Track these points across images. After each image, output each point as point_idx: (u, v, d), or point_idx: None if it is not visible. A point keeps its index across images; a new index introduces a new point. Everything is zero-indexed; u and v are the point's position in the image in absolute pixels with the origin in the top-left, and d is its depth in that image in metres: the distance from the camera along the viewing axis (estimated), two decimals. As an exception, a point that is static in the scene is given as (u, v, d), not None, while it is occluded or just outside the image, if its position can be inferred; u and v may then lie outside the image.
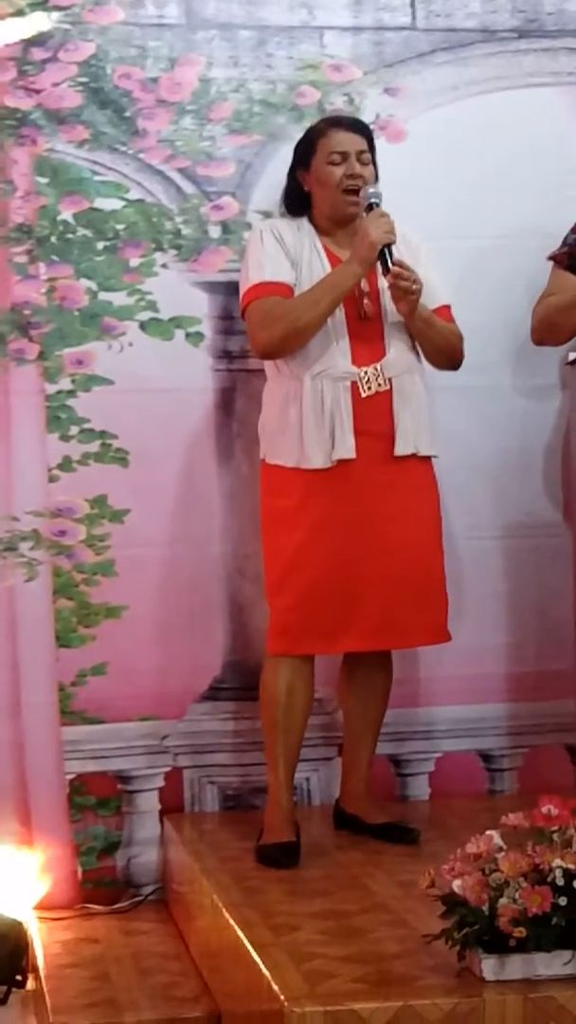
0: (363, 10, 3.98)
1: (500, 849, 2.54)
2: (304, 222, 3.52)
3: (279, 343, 3.41)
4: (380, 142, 3.91)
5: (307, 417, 3.41)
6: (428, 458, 3.53)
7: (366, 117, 3.92)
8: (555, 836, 2.53)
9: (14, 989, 3.51)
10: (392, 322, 3.47)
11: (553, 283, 3.60)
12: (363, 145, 3.48)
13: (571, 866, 2.47)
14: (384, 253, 3.37)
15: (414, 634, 3.52)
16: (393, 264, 3.36)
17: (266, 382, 3.56)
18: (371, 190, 3.45)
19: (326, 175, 3.46)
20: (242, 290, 3.49)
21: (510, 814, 2.60)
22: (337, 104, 3.83)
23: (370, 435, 3.42)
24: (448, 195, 3.94)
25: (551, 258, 3.62)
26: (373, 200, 3.43)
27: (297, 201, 3.54)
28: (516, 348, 3.92)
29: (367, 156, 3.48)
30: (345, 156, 3.45)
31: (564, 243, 3.62)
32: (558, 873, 2.47)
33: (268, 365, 3.53)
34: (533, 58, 4.07)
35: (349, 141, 3.47)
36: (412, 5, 4.00)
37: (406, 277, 3.36)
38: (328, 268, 3.45)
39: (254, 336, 3.47)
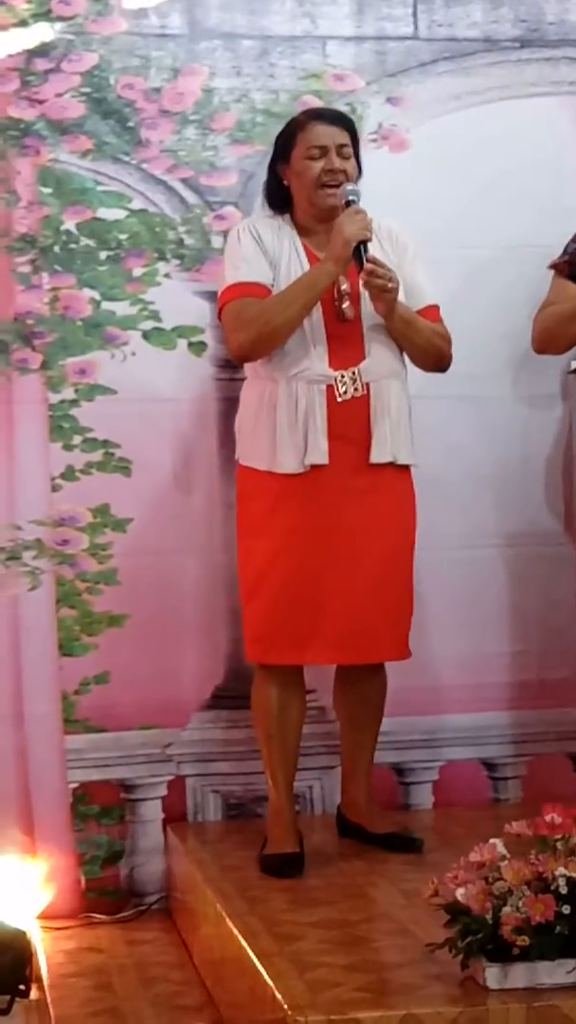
0: (365, 20, 3.99)
1: (503, 858, 2.54)
2: (285, 220, 3.46)
3: (253, 345, 3.35)
4: (383, 151, 3.95)
5: (280, 420, 3.36)
6: (406, 468, 3.46)
7: (368, 127, 3.94)
8: (558, 845, 2.54)
9: (17, 999, 3.49)
10: (373, 325, 3.39)
11: (554, 292, 3.60)
12: (344, 139, 3.41)
13: (574, 875, 2.47)
14: (359, 250, 3.30)
15: (378, 648, 3.45)
16: (367, 261, 3.29)
17: (244, 382, 3.52)
18: (348, 187, 3.37)
19: (304, 169, 3.39)
20: (219, 292, 3.44)
21: (513, 823, 2.61)
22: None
23: (345, 441, 3.36)
24: (450, 204, 3.94)
25: (552, 267, 3.62)
26: (351, 197, 3.36)
27: (277, 196, 3.48)
28: (517, 357, 3.93)
29: (348, 150, 3.41)
30: (324, 150, 3.38)
31: (565, 252, 3.62)
32: (561, 882, 2.47)
33: (247, 366, 3.47)
34: (535, 68, 4.08)
35: (329, 134, 3.40)
36: (414, 15, 4.01)
37: (380, 274, 3.28)
38: (307, 267, 3.39)
39: (229, 338, 3.41)
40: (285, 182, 3.46)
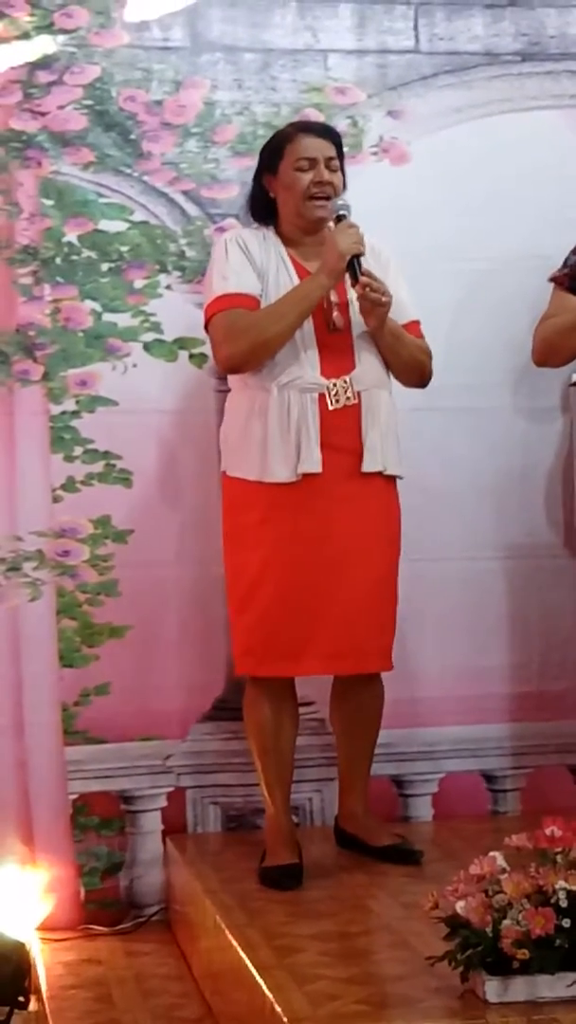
0: (367, 33, 4.00)
1: (503, 870, 2.54)
2: (270, 231, 3.46)
3: (244, 356, 3.34)
4: (383, 164, 3.96)
5: (272, 429, 3.34)
6: (393, 479, 3.46)
7: (369, 140, 3.95)
8: (559, 858, 2.53)
9: (16, 1010, 3.50)
10: (361, 334, 3.40)
11: (554, 305, 3.61)
12: (332, 152, 3.42)
13: (575, 888, 2.47)
14: (353, 264, 3.31)
15: (369, 659, 3.44)
16: (362, 275, 3.30)
17: (230, 392, 3.51)
18: (339, 201, 3.39)
19: (293, 181, 3.40)
20: (206, 302, 3.43)
21: (513, 835, 2.60)
22: (341, 127, 3.84)
23: (337, 449, 3.35)
24: (451, 217, 3.95)
25: (552, 279, 3.62)
26: (342, 212, 3.37)
27: (262, 207, 3.48)
28: (517, 369, 3.93)
29: (336, 163, 3.42)
30: (313, 163, 3.39)
31: (565, 264, 3.62)
32: (561, 895, 2.47)
33: (232, 377, 3.46)
34: (536, 81, 4.09)
35: (318, 147, 3.40)
36: (416, 28, 4.02)
37: (375, 288, 3.30)
38: (295, 279, 3.39)
39: (218, 349, 3.40)
40: (271, 194, 3.46)
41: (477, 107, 4.06)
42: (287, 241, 3.45)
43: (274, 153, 3.45)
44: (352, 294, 3.38)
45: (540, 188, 4.00)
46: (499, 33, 4.06)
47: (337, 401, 3.36)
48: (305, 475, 3.34)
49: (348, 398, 3.37)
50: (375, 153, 3.97)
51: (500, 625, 4.03)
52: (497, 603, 4.03)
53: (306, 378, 3.35)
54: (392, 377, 3.49)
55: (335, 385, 3.36)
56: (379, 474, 3.41)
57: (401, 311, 3.45)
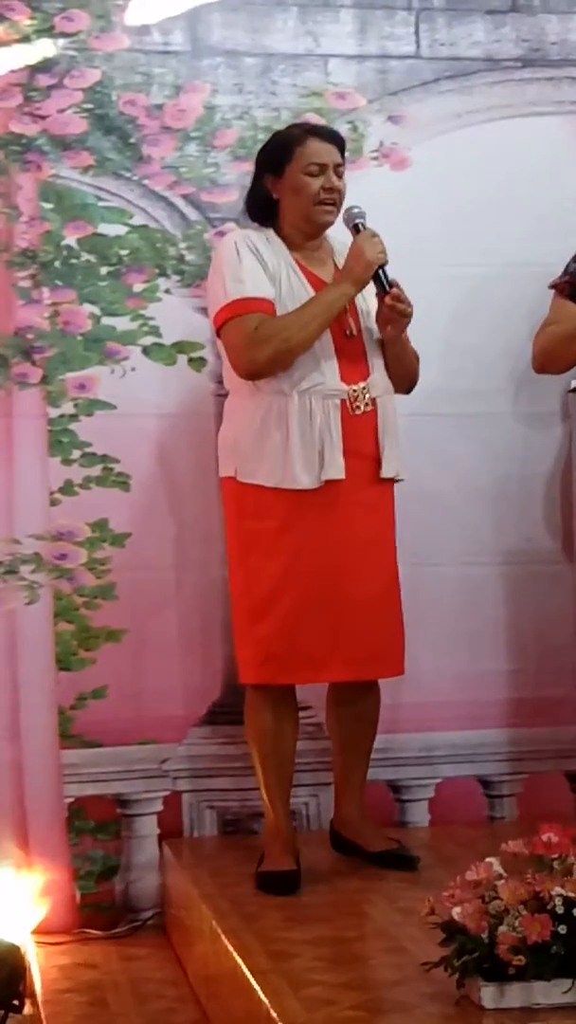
0: (367, 38, 4.01)
1: (500, 876, 2.54)
2: (272, 233, 3.45)
3: (268, 363, 3.33)
4: (384, 169, 3.97)
5: (294, 435, 3.33)
6: (393, 483, 3.48)
7: (370, 145, 3.96)
8: (555, 864, 2.53)
9: (11, 1014, 3.50)
10: (371, 341, 3.42)
11: (554, 311, 3.61)
12: (339, 158, 3.42)
13: (571, 894, 2.47)
14: (379, 274, 3.34)
15: (387, 664, 3.46)
16: (390, 286, 3.33)
17: (229, 396, 3.48)
18: (355, 210, 3.40)
19: (302, 185, 3.38)
20: (217, 304, 3.39)
21: (510, 841, 2.60)
22: (341, 132, 3.83)
23: (357, 455, 3.36)
24: (451, 222, 3.95)
25: (552, 286, 3.63)
26: (359, 220, 3.39)
27: (263, 208, 3.47)
28: (516, 376, 3.94)
29: (342, 169, 3.42)
30: (323, 168, 3.38)
31: (566, 271, 3.63)
32: (558, 901, 2.46)
33: (238, 380, 3.42)
34: (536, 87, 4.09)
35: (328, 152, 3.40)
36: (416, 34, 4.03)
37: (403, 299, 3.34)
38: (306, 284, 3.39)
39: (240, 355, 3.36)
40: (275, 195, 3.44)
41: (477, 113, 4.06)
42: (289, 244, 3.45)
43: (281, 155, 3.42)
44: (361, 301, 3.40)
45: (540, 194, 4.01)
46: (500, 39, 4.06)
47: (358, 407, 3.37)
48: (328, 481, 3.34)
49: (367, 404, 3.39)
50: (375, 158, 3.98)
51: (497, 630, 4.03)
52: (495, 609, 4.03)
53: (328, 384, 3.35)
54: None
55: (355, 391, 3.37)
56: (391, 479, 3.44)
57: None
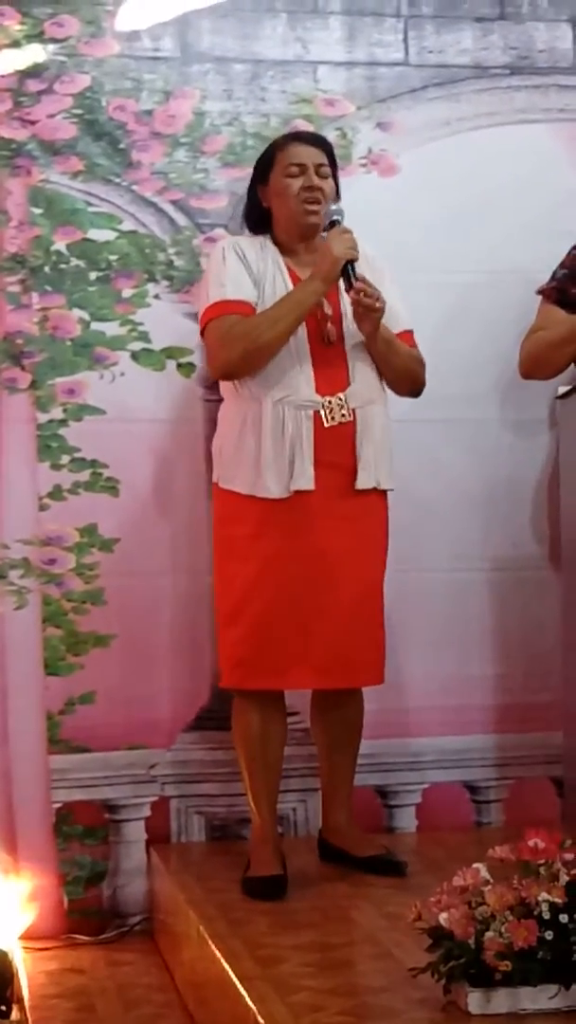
0: (356, 45, 4.01)
1: (487, 882, 2.54)
2: (266, 240, 3.47)
3: (238, 363, 3.34)
4: (372, 176, 3.97)
5: (266, 444, 3.34)
6: (384, 492, 3.47)
7: (358, 151, 3.97)
8: (541, 870, 2.53)
9: (-2, 1019, 3.50)
10: (355, 347, 3.40)
11: (542, 318, 3.62)
12: (322, 159, 3.44)
13: (557, 900, 2.48)
14: (347, 269, 3.32)
15: (358, 673, 3.45)
16: (356, 280, 3.31)
17: (222, 403, 3.51)
18: (333, 207, 3.40)
19: (284, 187, 3.41)
20: (201, 308, 3.44)
21: (497, 847, 2.60)
22: (330, 139, 3.85)
23: (330, 467, 3.35)
24: (438, 229, 3.96)
25: (540, 292, 3.64)
26: (335, 217, 3.38)
27: (257, 218, 3.50)
28: (504, 381, 3.94)
29: (326, 170, 3.44)
30: (303, 168, 3.40)
31: (553, 278, 3.64)
32: (544, 907, 2.47)
33: (226, 386, 3.45)
34: (524, 95, 4.10)
35: (307, 154, 3.42)
36: (405, 41, 4.04)
37: (369, 294, 3.30)
38: (291, 287, 3.39)
39: (213, 355, 3.40)
40: (265, 204, 3.47)
41: (465, 120, 4.07)
42: (283, 250, 3.46)
43: (266, 162, 3.47)
44: (346, 306, 3.38)
45: (528, 201, 4.02)
46: (488, 46, 4.07)
47: (332, 419, 3.36)
48: (297, 492, 3.33)
49: (343, 415, 3.37)
50: (364, 165, 3.98)
51: (484, 636, 4.04)
52: (482, 614, 4.04)
53: (301, 395, 3.35)
54: (386, 387, 3.50)
55: (330, 402, 3.36)
56: (373, 489, 3.41)
57: (395, 320, 3.45)
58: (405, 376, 3.49)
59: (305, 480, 3.33)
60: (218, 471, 3.45)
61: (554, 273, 3.64)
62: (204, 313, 3.41)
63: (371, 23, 4.01)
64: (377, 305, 3.32)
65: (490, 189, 4.01)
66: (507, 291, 3.91)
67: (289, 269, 3.44)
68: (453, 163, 4.03)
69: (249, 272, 3.40)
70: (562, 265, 3.63)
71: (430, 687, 3.94)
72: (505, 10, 4.09)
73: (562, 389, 3.65)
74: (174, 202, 3.93)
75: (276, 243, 3.47)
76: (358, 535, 3.40)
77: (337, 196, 3.46)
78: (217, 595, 3.47)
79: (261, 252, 3.44)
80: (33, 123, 3.86)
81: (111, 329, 3.89)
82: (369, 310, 3.32)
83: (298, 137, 3.53)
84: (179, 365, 3.92)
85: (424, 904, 2.56)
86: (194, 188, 3.93)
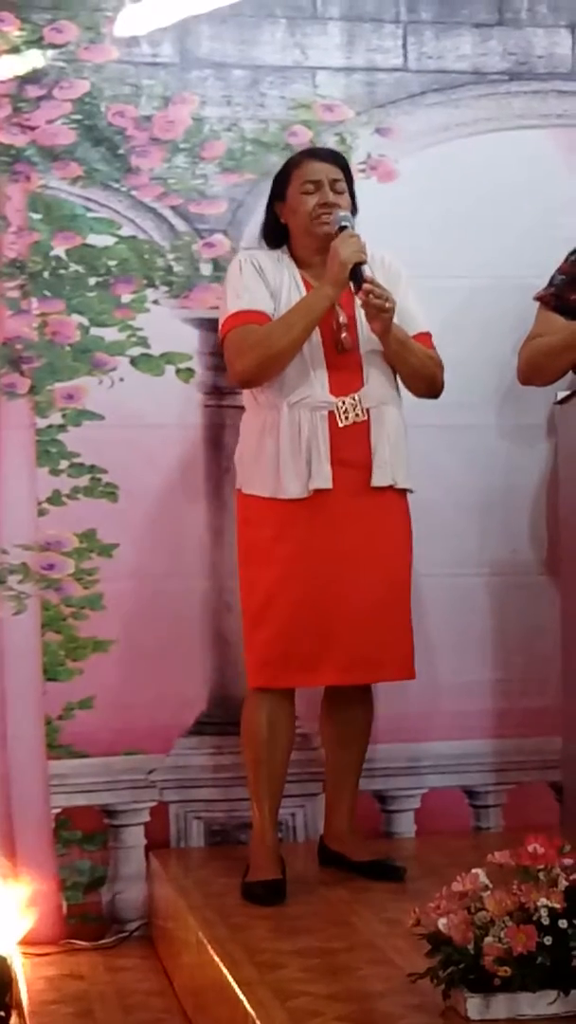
0: (355, 51, 4.02)
1: (486, 887, 2.54)
2: (284, 253, 3.53)
3: (255, 370, 3.40)
4: (371, 182, 3.97)
5: (284, 446, 3.40)
6: (404, 492, 3.51)
7: (357, 157, 3.97)
8: (540, 875, 2.53)
9: (-3, 1025, 3.50)
10: (370, 353, 3.45)
11: (540, 324, 3.62)
12: (337, 174, 3.49)
13: (556, 905, 2.48)
14: (356, 272, 3.36)
15: (385, 668, 3.49)
16: (365, 281, 3.34)
17: (244, 413, 3.55)
18: (340, 214, 3.44)
19: (299, 203, 3.47)
20: (221, 320, 3.49)
21: (496, 852, 2.60)
22: (329, 144, 3.87)
23: (347, 465, 3.41)
24: (437, 235, 3.97)
25: (537, 299, 3.64)
26: (343, 223, 3.42)
27: (275, 233, 3.55)
28: (502, 387, 3.95)
29: (341, 185, 3.49)
30: (319, 185, 3.46)
31: (551, 284, 3.64)
32: (543, 912, 2.47)
33: (246, 395, 3.52)
34: (523, 100, 4.11)
35: (323, 170, 3.48)
36: (404, 47, 4.04)
37: (378, 294, 3.34)
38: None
39: (231, 365, 3.46)
40: (282, 220, 3.53)
41: (464, 125, 4.08)
42: (300, 263, 3.51)
43: (283, 179, 3.53)
44: (362, 313, 3.42)
45: (526, 206, 4.02)
46: (487, 52, 4.08)
47: (347, 418, 3.41)
48: (316, 491, 3.38)
49: (357, 415, 3.42)
50: (363, 170, 3.98)
51: (483, 641, 4.04)
52: (480, 619, 4.04)
53: (315, 397, 3.40)
54: (402, 391, 3.53)
55: (344, 403, 3.41)
56: (390, 488, 3.46)
57: (411, 323, 3.50)
58: (421, 376, 3.52)
59: (323, 479, 3.38)
60: (240, 477, 3.51)
61: (552, 279, 3.64)
62: (223, 324, 3.47)
63: (370, 29, 4.02)
64: (387, 305, 3.36)
65: (488, 194, 4.02)
66: (505, 297, 3.92)
67: (305, 281, 3.49)
68: (452, 168, 4.04)
69: (266, 284, 3.46)
70: (560, 271, 3.64)
71: (429, 692, 3.94)
72: (504, 16, 4.10)
73: (560, 395, 3.65)
74: (173, 208, 3.93)
75: (294, 257, 3.52)
76: (378, 533, 3.44)
77: (354, 210, 3.51)
78: (243, 598, 3.50)
79: (277, 264, 3.50)
80: (32, 129, 3.86)
81: (110, 334, 3.90)
82: (378, 310, 3.36)
83: (313, 154, 3.58)
84: (178, 370, 3.93)
85: (423, 909, 2.56)
86: (193, 194, 3.94)
